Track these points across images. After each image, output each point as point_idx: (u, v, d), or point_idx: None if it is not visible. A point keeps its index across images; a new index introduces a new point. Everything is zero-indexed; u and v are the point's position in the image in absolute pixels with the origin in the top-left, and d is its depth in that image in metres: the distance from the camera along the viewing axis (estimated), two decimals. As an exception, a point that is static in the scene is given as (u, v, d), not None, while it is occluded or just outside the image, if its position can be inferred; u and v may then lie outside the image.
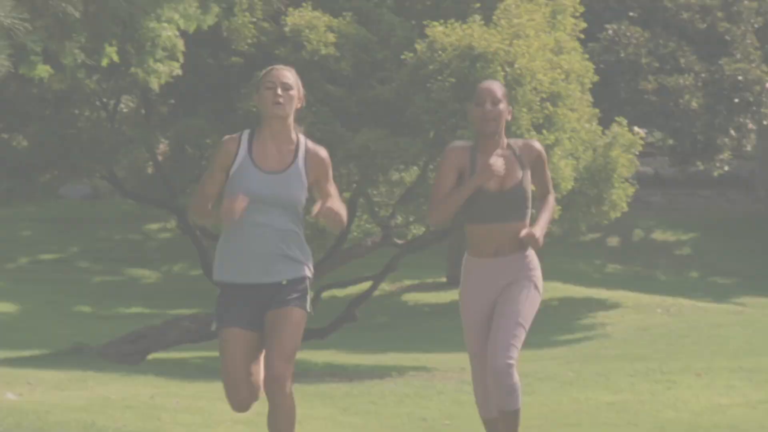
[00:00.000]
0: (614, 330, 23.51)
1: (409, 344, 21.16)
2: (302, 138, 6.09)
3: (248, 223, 6.00)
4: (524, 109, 17.84)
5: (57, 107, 20.98)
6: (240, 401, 6.11)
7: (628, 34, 29.96)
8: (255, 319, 6.09)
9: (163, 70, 16.78)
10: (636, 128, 22.97)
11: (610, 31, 29.99)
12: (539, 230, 6.32)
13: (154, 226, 31.65)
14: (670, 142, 31.12)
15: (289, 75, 6.07)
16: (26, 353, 18.16)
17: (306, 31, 19.12)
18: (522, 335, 6.34)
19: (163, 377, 15.53)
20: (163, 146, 24.15)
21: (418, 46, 18.53)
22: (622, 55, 29.65)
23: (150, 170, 23.27)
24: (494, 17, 18.96)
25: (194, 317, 19.43)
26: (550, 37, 18.92)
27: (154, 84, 17.85)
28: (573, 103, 18.91)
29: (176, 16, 14.59)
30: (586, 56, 20.26)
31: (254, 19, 20.43)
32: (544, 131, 18.26)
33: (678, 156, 30.98)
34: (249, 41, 20.90)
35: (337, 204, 6.07)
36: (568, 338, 22.65)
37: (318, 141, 6.24)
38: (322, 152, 6.14)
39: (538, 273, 6.45)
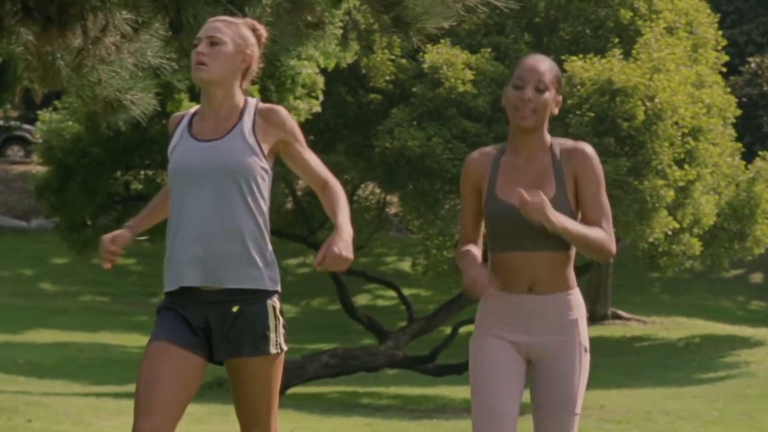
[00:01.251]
0: (758, 368, 23.01)
1: (547, 381, 20.91)
2: (252, 100, 4.55)
3: (182, 207, 4.43)
4: (665, 144, 17.63)
5: (200, 144, 21.32)
6: (149, 429, 4.31)
7: (772, 66, 29.47)
8: (194, 337, 4.39)
9: (303, 107, 17.04)
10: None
11: (753, 65, 29.50)
12: (555, 213, 4.30)
13: (293, 261, 31.98)
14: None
15: (224, 27, 4.46)
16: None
17: (444, 68, 19.19)
18: (576, 427, 4.62)
19: (303, 411, 15.63)
20: (302, 182, 24.47)
21: (556, 81, 18.44)
22: (765, 88, 29.14)
23: (289, 206, 23.57)
24: (634, 51, 18.81)
25: (333, 352, 19.54)
26: (692, 71, 18.69)
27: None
28: (715, 138, 18.62)
29: (316, 54, 14.81)
30: (728, 90, 19.96)
31: (392, 57, 20.58)
32: (686, 166, 18.02)
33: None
34: (387, 78, 21.05)
35: (344, 235, 4.36)
36: (710, 376, 22.24)
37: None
38: (278, 108, 4.54)
39: (583, 323, 4.53)
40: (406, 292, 24.00)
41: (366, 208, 23.60)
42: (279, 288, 4.49)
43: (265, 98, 16.84)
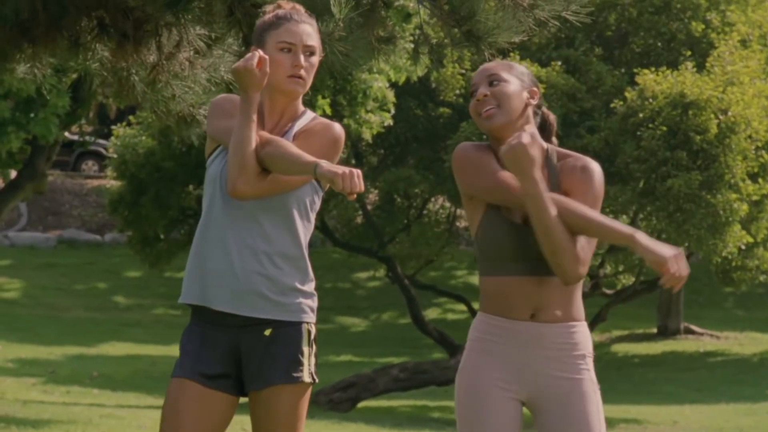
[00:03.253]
0: (834, 385, 22.69)
1: (618, 396, 20.83)
2: (311, 113, 4.05)
3: (216, 217, 3.98)
4: (739, 157, 17.47)
5: (270, 158, 21.47)
6: None
7: None
8: (223, 375, 4.00)
9: (375, 121, 17.11)
10: None
11: (828, 77, 29.14)
12: (540, 174, 3.74)
13: (363, 275, 32.03)
14: None
15: (313, 33, 3.99)
16: (240, 400, 18.55)
17: (514, 80, 19.17)
18: None
19: (374, 425, 15.64)
20: (372, 196, 24.51)
21: (628, 94, 18.37)
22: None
23: (359, 220, 23.64)
24: (707, 64, 18.67)
25: (403, 366, 19.54)
26: (766, 84, 18.51)
27: (366, 134, 18.20)
28: (789, 151, 18.42)
29: (387, 68, 14.85)
30: (803, 102, 19.71)
31: (463, 70, 20.58)
32: (760, 180, 17.85)
33: None
34: (457, 92, 21.05)
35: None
36: (785, 392, 21.97)
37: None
38: (331, 125, 4.01)
39: (591, 361, 3.94)
40: (476, 306, 23.92)
41: (436, 222, 23.58)
42: (314, 319, 4.05)
43: (336, 112, 16.92)
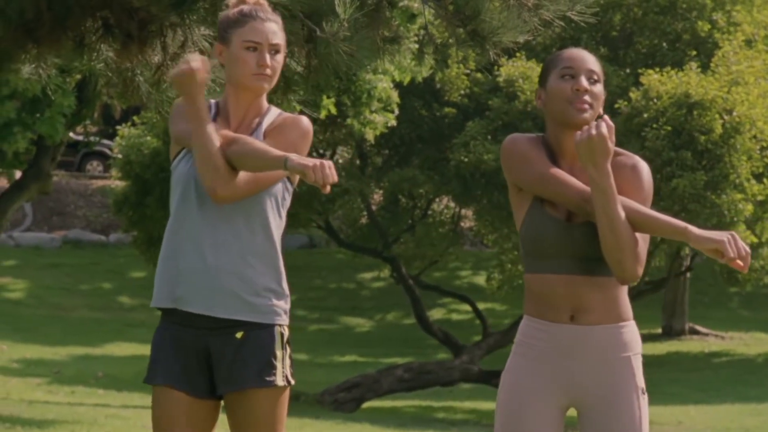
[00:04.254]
0: None
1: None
2: (275, 108, 4.04)
3: (186, 220, 3.95)
4: (743, 158, 17.46)
5: (275, 159, 21.51)
6: None
7: None
8: (195, 376, 3.92)
9: (379, 121, 17.11)
10: None
11: (833, 77, 29.12)
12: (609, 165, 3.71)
13: (367, 275, 32.03)
14: None
15: (279, 31, 3.95)
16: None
17: (519, 81, 19.17)
18: None
19: (378, 426, 15.64)
20: (376, 196, 24.52)
21: (632, 95, 18.36)
22: None
23: (364, 220, 23.64)
24: (712, 64, 18.66)
25: (408, 366, 19.54)
26: (770, 84, 18.50)
27: (370, 135, 18.20)
28: (794, 151, 18.40)
29: (391, 68, 14.85)
30: (808, 102, 19.69)
31: (468, 71, 20.59)
32: (765, 180, 17.84)
33: None
34: (462, 92, 21.05)
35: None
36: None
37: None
38: (299, 118, 3.99)
39: (638, 363, 3.87)
40: (480, 306, 23.94)
41: (440, 222, 23.59)
42: (287, 322, 3.95)
43: (340, 112, 16.91)
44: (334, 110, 15.68)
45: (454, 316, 29.12)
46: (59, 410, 14.06)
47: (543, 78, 3.90)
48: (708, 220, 17.35)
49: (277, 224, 3.92)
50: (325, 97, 14.91)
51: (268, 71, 3.91)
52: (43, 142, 16.48)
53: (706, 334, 27.63)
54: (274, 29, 3.93)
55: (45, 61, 6.29)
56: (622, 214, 3.65)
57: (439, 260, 24.00)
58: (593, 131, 3.65)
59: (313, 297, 30.48)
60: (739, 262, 3.62)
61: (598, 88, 3.84)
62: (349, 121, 17.04)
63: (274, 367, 3.88)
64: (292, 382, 3.94)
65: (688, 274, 26.16)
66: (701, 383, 22.41)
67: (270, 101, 4.09)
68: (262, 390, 3.86)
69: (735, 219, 17.43)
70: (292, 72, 5.71)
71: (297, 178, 3.91)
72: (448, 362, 20.05)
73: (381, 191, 23.41)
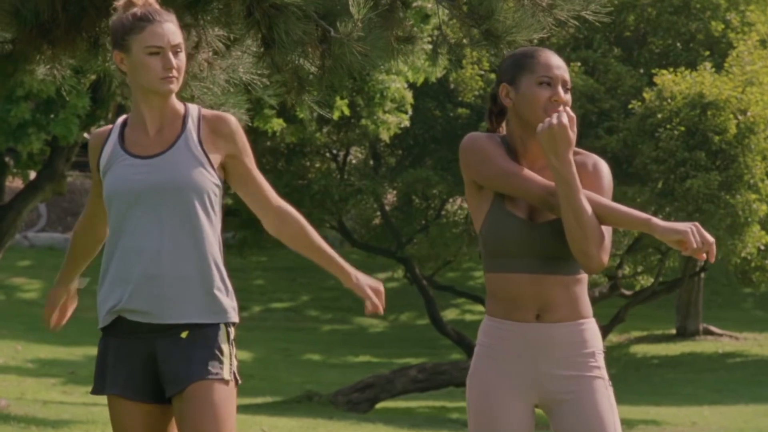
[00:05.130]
0: None
1: (637, 397, 20.78)
2: (193, 106, 4.00)
3: (123, 234, 3.88)
4: (758, 158, 17.43)
5: (289, 159, 21.53)
6: None
7: None
8: (142, 382, 3.88)
9: (392, 122, 17.12)
10: None
11: None
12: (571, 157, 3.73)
13: (381, 276, 32.04)
14: None
15: (177, 29, 3.93)
16: (259, 400, 18.57)
17: (533, 81, 19.17)
18: None
19: (392, 426, 15.64)
20: (390, 197, 24.52)
21: (646, 95, 18.34)
22: None
23: (377, 221, 23.65)
24: (726, 64, 18.63)
25: (421, 367, 19.54)
26: (785, 84, 18.46)
27: (384, 135, 18.22)
28: (809, 151, 18.37)
29: (405, 69, 14.86)
30: (823, 102, 19.65)
31: (481, 71, 20.58)
32: (779, 180, 17.82)
33: None
34: (476, 93, 21.05)
35: (358, 272, 4.14)
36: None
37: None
38: (226, 116, 3.98)
39: (601, 357, 3.92)
40: (494, 306, 23.85)
41: (454, 223, 23.57)
42: (237, 319, 3.91)
43: (354, 113, 16.93)
44: (347, 111, 15.69)
45: (468, 317, 29.11)
46: (74, 410, 14.09)
47: (512, 76, 3.84)
48: (722, 220, 17.33)
49: (210, 222, 3.87)
50: (338, 97, 14.93)
51: (175, 73, 3.86)
52: (57, 143, 16.50)
53: (720, 335, 27.57)
54: (173, 29, 3.89)
55: (60, 62, 6.30)
56: (587, 204, 3.68)
57: (453, 261, 23.98)
58: (554, 121, 3.67)
59: (327, 297, 30.49)
60: (698, 252, 3.61)
61: (569, 97, 3.83)
62: (362, 121, 17.05)
63: (220, 361, 3.82)
64: (240, 379, 3.88)
65: (702, 275, 26.12)
66: (715, 384, 22.36)
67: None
68: (208, 381, 3.79)
69: (749, 219, 17.40)
70: (306, 72, 5.71)
71: (223, 177, 3.93)
72: (462, 362, 20.03)
73: (394, 191, 23.42)
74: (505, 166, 3.76)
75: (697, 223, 3.67)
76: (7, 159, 18.53)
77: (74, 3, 5.85)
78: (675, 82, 17.88)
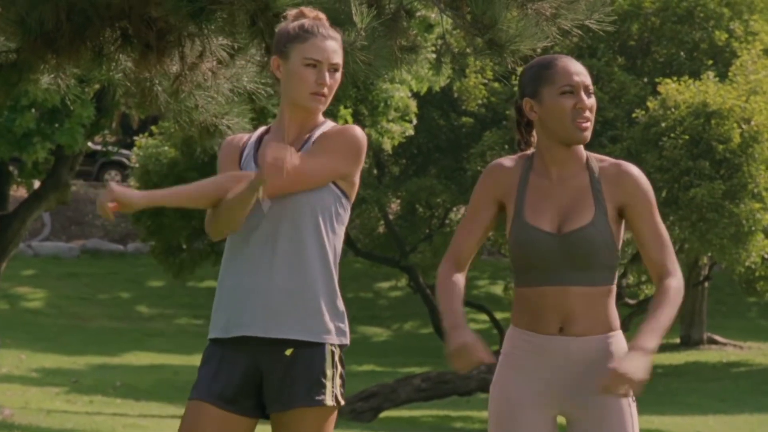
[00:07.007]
0: None
1: (642, 406, 20.78)
2: (328, 122, 3.93)
3: (242, 243, 3.88)
4: (762, 167, 17.42)
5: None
6: None
7: None
8: (241, 397, 3.85)
9: (396, 131, 17.14)
10: None
11: None
12: (636, 361, 3.61)
13: (385, 285, 32.03)
14: None
15: (339, 49, 3.87)
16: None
17: (537, 90, 19.20)
18: None
19: (395, 435, 15.63)
20: (394, 206, 24.53)
21: (650, 104, 18.34)
22: None
23: (381, 229, 23.65)
24: (730, 74, 18.64)
25: (425, 376, 19.52)
26: (789, 93, 18.46)
27: (387, 144, 18.24)
28: (813, 160, 18.36)
29: (409, 78, 14.88)
30: (827, 111, 19.65)
31: (485, 80, 20.60)
32: (783, 189, 17.81)
33: None
34: (479, 102, 21.06)
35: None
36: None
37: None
38: (345, 126, 3.92)
39: None
40: (498, 315, 23.92)
41: (458, 232, 23.59)
42: (347, 341, 3.90)
43: (358, 122, 16.95)
44: (351, 120, 15.71)
45: (472, 326, 28.85)
46: (77, 419, 14.09)
47: (533, 90, 3.77)
48: (726, 229, 17.32)
49: (330, 241, 3.87)
50: (342, 106, 14.94)
51: (326, 90, 3.81)
52: (61, 152, 16.54)
53: (725, 344, 27.55)
54: (335, 48, 3.84)
55: (64, 71, 6.32)
56: (668, 319, 3.77)
57: (457, 270, 23.96)
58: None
59: (331, 306, 30.47)
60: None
61: (593, 101, 3.75)
62: (366, 130, 17.07)
63: (323, 386, 3.79)
64: (342, 402, 3.85)
65: (707, 284, 26.09)
66: (720, 393, 22.34)
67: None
68: (311, 409, 3.78)
69: (753, 228, 17.39)
70: (310, 81, 5.72)
71: (354, 191, 3.91)
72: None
73: (398, 200, 23.43)
74: (456, 235, 3.91)
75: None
76: (11, 168, 18.56)
77: (78, 13, 5.86)
78: (679, 91, 17.88)
